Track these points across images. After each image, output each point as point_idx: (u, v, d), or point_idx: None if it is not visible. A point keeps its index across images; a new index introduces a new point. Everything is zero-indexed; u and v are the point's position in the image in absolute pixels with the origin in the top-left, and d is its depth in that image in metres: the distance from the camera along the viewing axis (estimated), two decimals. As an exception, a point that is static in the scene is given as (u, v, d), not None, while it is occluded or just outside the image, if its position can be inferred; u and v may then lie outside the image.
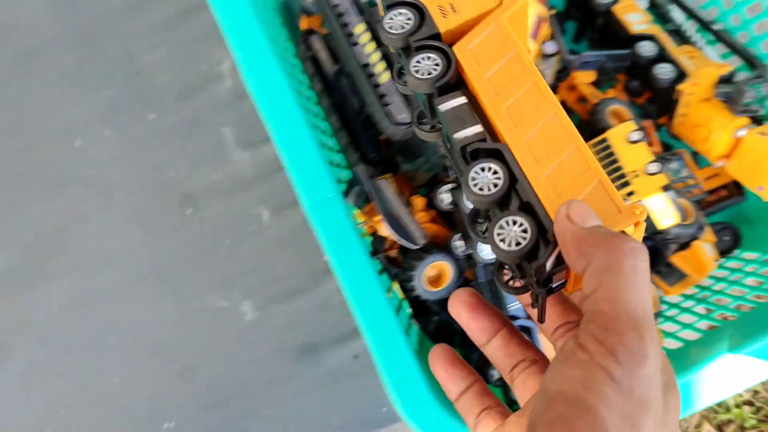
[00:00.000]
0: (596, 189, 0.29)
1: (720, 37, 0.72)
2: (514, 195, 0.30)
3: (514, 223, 0.28)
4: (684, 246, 0.60)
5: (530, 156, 0.30)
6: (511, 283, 0.30)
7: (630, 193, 0.56)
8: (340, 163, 0.67)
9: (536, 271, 0.27)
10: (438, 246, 0.56)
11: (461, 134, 0.32)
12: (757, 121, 0.70)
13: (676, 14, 0.73)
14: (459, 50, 0.34)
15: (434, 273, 0.55)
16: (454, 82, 0.34)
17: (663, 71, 0.65)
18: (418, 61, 0.33)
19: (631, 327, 0.21)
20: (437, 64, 0.33)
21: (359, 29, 0.58)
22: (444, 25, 0.34)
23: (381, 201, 0.53)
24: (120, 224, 0.72)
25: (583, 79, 0.66)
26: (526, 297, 0.29)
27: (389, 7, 0.35)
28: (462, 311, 0.30)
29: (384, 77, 0.57)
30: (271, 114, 0.53)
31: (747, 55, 0.70)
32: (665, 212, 0.55)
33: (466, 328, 0.30)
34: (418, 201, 0.58)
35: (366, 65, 0.57)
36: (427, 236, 0.53)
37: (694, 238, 0.59)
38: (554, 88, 0.69)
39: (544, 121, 0.31)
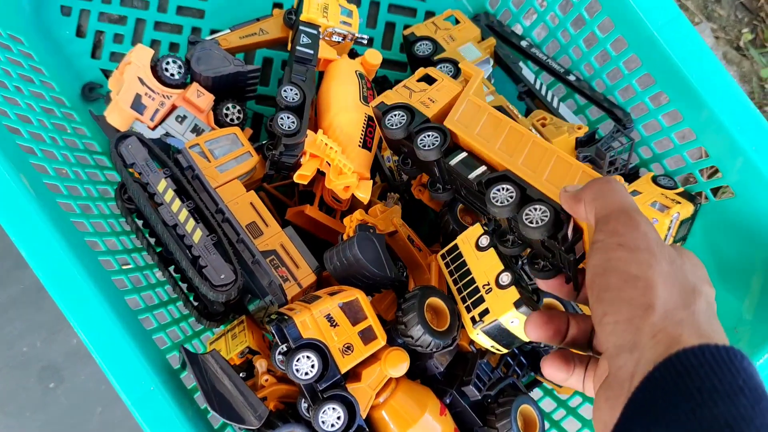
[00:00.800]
0: (582, 177, 0.41)
1: (576, 88, 0.67)
2: (527, 199, 0.42)
3: (535, 209, 0.40)
4: (564, 343, 0.55)
5: (529, 171, 0.43)
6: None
7: (484, 312, 0.51)
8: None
9: (563, 240, 0.38)
10: (287, 414, 0.50)
11: (473, 174, 0.46)
12: (629, 175, 0.65)
13: (526, 73, 0.68)
14: (449, 123, 0.48)
15: (287, 444, 0.50)
16: (452, 145, 0.48)
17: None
18: (422, 139, 0.48)
19: (621, 212, 0.30)
20: (437, 138, 0.47)
21: (161, 187, 0.52)
22: (428, 112, 0.49)
23: (204, 383, 0.48)
24: (-23, 416, 0.66)
25: (431, 173, 0.60)
26: (557, 287, 0.37)
27: (384, 113, 0.50)
28: (539, 332, 0.35)
29: (196, 236, 0.51)
30: (74, 316, 0.48)
31: (607, 104, 0.65)
32: (522, 328, 0.50)
33: (549, 341, 0.35)
34: (261, 362, 0.52)
35: (175, 225, 0.52)
36: (265, 412, 0.48)
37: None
38: (409, 185, 0.63)
39: (528, 148, 0.45)
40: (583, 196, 0.33)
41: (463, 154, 0.48)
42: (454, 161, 0.47)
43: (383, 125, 0.50)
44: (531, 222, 0.40)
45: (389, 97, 0.51)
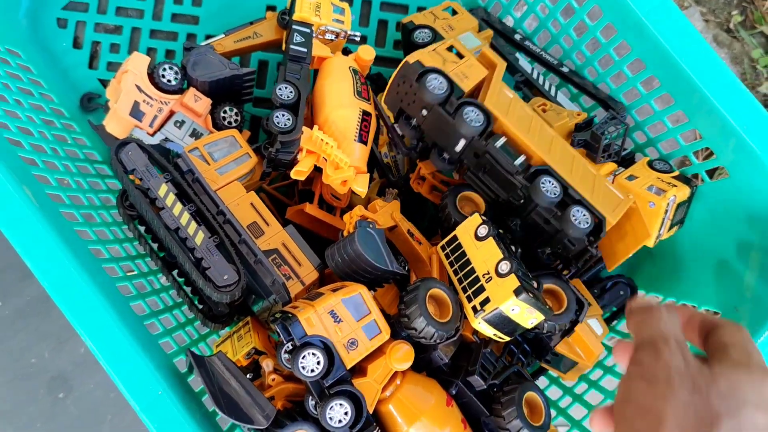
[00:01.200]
0: (597, 183, 0.50)
1: (570, 80, 0.67)
2: (568, 197, 0.49)
3: (579, 212, 0.48)
4: (568, 332, 0.56)
5: (565, 170, 0.49)
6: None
7: (485, 301, 0.51)
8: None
9: (593, 242, 0.49)
10: (294, 412, 0.51)
11: (518, 162, 0.50)
12: (624, 161, 0.66)
13: (523, 63, 0.68)
14: (490, 106, 0.50)
15: (296, 441, 0.50)
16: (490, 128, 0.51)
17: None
18: (467, 113, 0.49)
19: (649, 342, 0.32)
20: (479, 116, 0.50)
21: (162, 191, 0.53)
22: (464, 87, 0.51)
23: (211, 385, 0.48)
24: (-11, 427, 0.67)
25: (429, 168, 0.61)
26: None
27: (422, 74, 0.51)
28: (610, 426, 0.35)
29: (198, 238, 0.52)
30: (80, 325, 0.48)
31: (599, 94, 0.66)
32: (525, 315, 0.50)
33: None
34: (267, 362, 0.53)
35: (177, 229, 0.52)
36: (273, 411, 0.48)
37: (575, 323, 0.54)
38: (407, 179, 0.64)
39: (560, 148, 0.50)
40: (628, 320, 0.35)
41: (503, 139, 0.50)
42: (498, 143, 0.50)
43: (422, 83, 0.50)
44: (579, 222, 0.47)
45: (425, 58, 0.52)
